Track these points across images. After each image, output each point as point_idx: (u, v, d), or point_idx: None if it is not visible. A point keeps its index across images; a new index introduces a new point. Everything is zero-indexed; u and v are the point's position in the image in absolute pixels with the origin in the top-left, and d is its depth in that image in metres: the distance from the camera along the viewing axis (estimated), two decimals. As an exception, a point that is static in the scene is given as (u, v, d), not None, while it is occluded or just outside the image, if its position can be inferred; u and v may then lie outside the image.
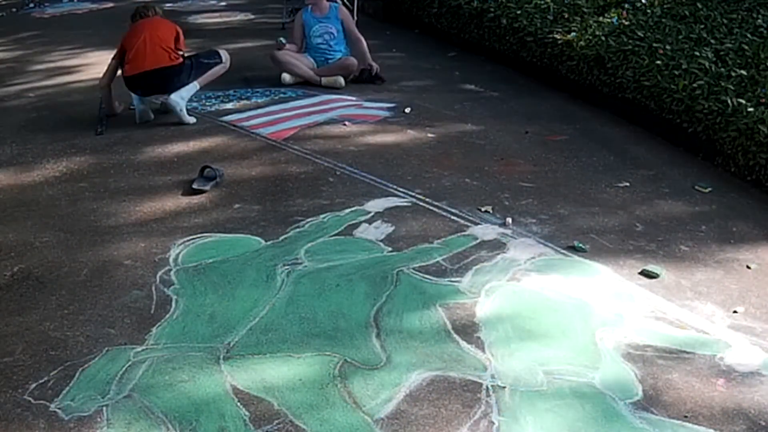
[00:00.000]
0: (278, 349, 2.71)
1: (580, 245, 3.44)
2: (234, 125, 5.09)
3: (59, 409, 2.41)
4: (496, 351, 2.70)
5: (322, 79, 5.96)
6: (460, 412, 2.39)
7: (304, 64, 6.00)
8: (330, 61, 6.04)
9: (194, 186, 4.04)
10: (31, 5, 10.46)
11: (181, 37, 5.24)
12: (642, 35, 5.50)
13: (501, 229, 3.61)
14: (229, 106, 5.51)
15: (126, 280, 3.18)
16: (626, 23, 5.79)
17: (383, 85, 6.00)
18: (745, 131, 4.23)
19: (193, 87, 5.25)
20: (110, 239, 3.54)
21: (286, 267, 3.26)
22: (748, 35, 5.33)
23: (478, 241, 3.49)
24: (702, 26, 5.61)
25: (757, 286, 3.17)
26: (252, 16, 9.17)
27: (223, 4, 10.09)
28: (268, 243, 3.48)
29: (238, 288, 3.10)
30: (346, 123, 5.11)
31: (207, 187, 4.02)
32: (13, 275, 3.24)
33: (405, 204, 3.88)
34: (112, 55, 5.26)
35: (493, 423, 2.35)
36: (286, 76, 5.93)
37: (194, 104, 5.50)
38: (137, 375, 2.57)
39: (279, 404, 2.42)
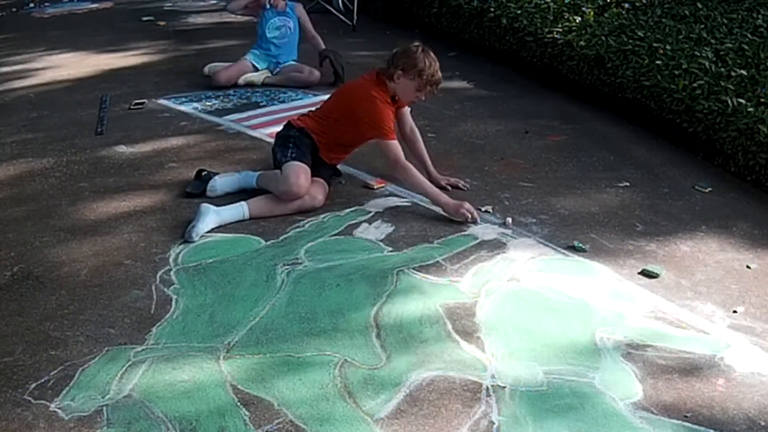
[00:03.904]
0: (278, 349, 2.71)
1: (580, 245, 3.44)
2: (234, 125, 5.09)
3: (59, 409, 2.41)
4: (496, 351, 2.70)
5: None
6: (460, 412, 2.39)
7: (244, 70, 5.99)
8: (280, 63, 6.04)
9: (187, 190, 4.00)
10: (32, 5, 10.45)
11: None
12: (642, 35, 5.50)
13: (501, 229, 3.61)
14: (229, 106, 5.50)
15: (126, 280, 3.18)
16: (626, 23, 5.79)
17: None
18: (745, 131, 4.23)
19: None
20: (110, 239, 3.54)
21: (286, 267, 3.26)
22: (748, 35, 5.34)
23: (478, 240, 3.49)
24: (702, 26, 5.62)
25: (757, 286, 3.17)
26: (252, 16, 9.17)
27: (224, 3, 10.08)
28: (268, 243, 3.48)
29: (238, 288, 3.10)
30: (347, 123, 5.10)
31: (198, 191, 3.98)
32: (13, 275, 3.24)
33: (405, 204, 3.88)
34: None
35: (493, 423, 2.35)
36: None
37: (195, 104, 5.51)
38: (137, 375, 2.57)
39: (279, 404, 2.42)
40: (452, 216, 3.64)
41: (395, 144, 3.76)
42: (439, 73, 3.82)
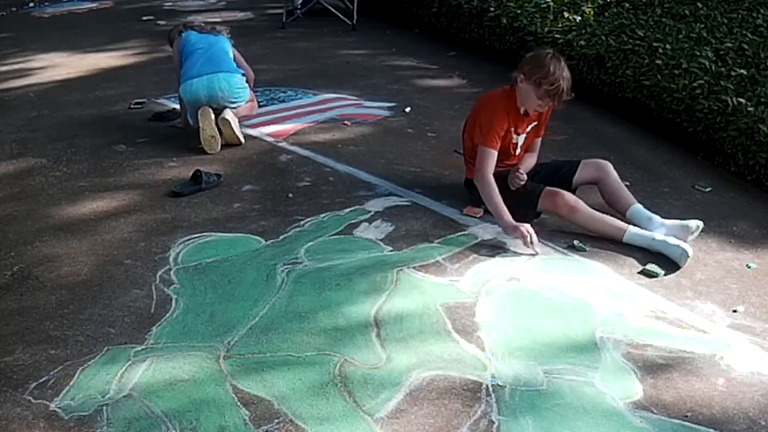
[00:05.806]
0: (278, 348, 2.71)
1: (580, 245, 3.44)
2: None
3: (59, 408, 2.41)
4: (496, 351, 2.70)
5: None
6: (460, 411, 2.39)
7: None
8: None
9: (175, 189, 4.00)
10: (31, 5, 10.46)
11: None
12: (642, 34, 5.49)
13: (501, 229, 3.61)
14: (229, 105, 5.49)
15: (126, 280, 3.18)
16: (626, 22, 5.79)
17: (383, 85, 5.99)
18: (745, 131, 4.23)
19: None
20: (110, 239, 3.54)
21: (286, 266, 3.26)
22: (748, 34, 5.34)
23: (478, 240, 3.49)
24: (702, 25, 5.61)
25: (757, 286, 3.17)
26: (252, 15, 9.18)
27: (223, 3, 10.09)
28: (268, 242, 3.48)
29: (238, 287, 3.10)
30: (347, 122, 5.11)
31: (186, 192, 3.98)
32: (13, 275, 3.24)
33: (405, 203, 3.88)
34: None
35: (493, 423, 2.35)
36: None
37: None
38: (137, 374, 2.57)
39: (279, 404, 2.42)
40: (508, 235, 3.44)
41: (488, 152, 3.54)
42: (563, 84, 3.43)
